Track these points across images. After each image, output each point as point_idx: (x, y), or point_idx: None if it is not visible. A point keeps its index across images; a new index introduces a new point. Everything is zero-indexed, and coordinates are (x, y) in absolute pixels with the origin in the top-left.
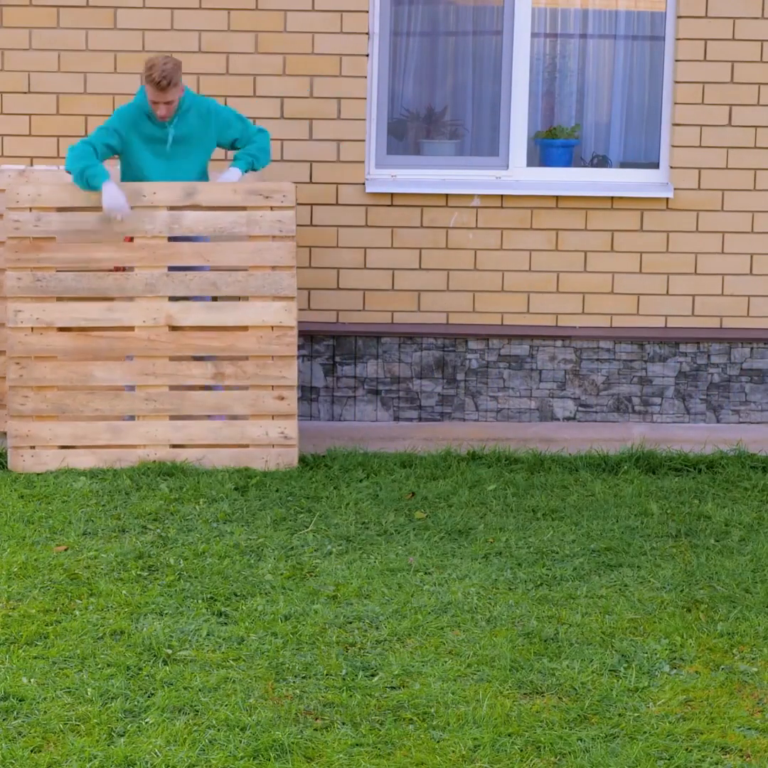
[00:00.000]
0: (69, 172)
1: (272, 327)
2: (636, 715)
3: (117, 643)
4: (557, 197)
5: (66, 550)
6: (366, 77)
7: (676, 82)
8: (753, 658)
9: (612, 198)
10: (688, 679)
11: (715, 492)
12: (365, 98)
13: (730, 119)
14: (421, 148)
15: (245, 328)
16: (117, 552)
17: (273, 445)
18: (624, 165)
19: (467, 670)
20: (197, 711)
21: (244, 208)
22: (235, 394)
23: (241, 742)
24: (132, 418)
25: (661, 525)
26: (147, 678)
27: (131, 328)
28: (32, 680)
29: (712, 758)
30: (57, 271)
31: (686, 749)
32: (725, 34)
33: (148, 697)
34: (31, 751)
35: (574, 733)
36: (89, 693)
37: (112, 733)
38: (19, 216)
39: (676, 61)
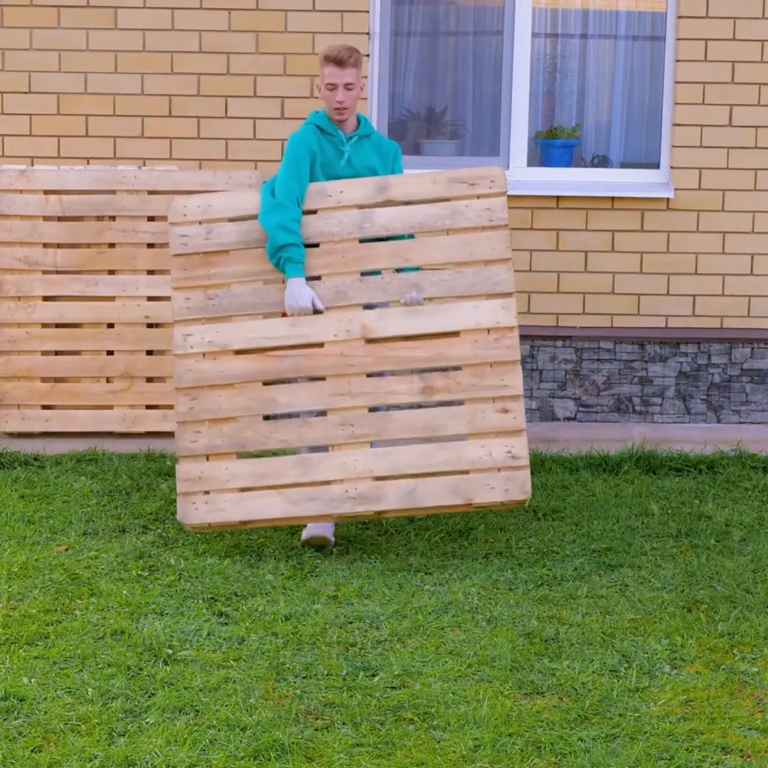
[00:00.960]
0: (262, 225)
1: (488, 329)
2: (636, 715)
3: (117, 643)
4: (558, 197)
5: (66, 550)
6: (366, 77)
7: (677, 82)
8: (753, 659)
9: (612, 198)
10: (688, 679)
11: (716, 492)
12: (365, 98)
13: (730, 119)
14: (422, 148)
15: (456, 333)
16: (117, 552)
17: (499, 469)
18: (624, 165)
19: (468, 671)
20: (198, 711)
21: (446, 199)
22: (448, 410)
23: (241, 742)
24: (319, 450)
25: (661, 525)
26: (147, 678)
27: (320, 345)
28: (33, 680)
29: (712, 758)
30: (231, 286)
31: (687, 749)
32: (726, 35)
33: (149, 697)
34: (32, 751)
35: (574, 733)
36: (90, 693)
37: (113, 733)
38: (188, 230)
39: (677, 61)
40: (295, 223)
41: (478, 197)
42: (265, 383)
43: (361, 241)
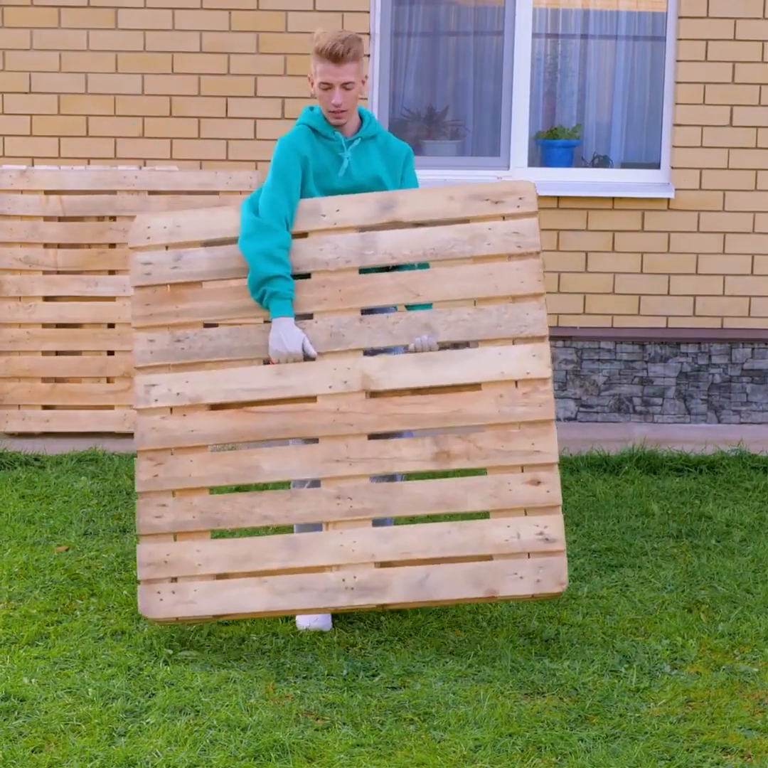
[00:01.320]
0: (242, 252)
1: (516, 381)
2: (637, 715)
3: (118, 644)
4: (558, 197)
5: (67, 550)
6: (367, 77)
7: (677, 82)
8: (754, 659)
9: (613, 198)
10: (689, 679)
11: (716, 492)
12: (366, 99)
13: (730, 120)
14: (423, 148)
15: (476, 385)
16: (118, 552)
17: (528, 554)
18: (625, 165)
19: (468, 671)
20: (198, 711)
21: (465, 221)
22: (467, 480)
23: (242, 742)
24: (312, 527)
25: (662, 525)
26: (148, 678)
27: (312, 398)
28: (33, 680)
29: (713, 759)
30: (205, 325)
31: (687, 750)
32: (726, 35)
33: (149, 697)
34: (32, 751)
35: (575, 733)
36: (90, 693)
37: (113, 734)
38: (151, 257)
39: (677, 61)
40: (282, 251)
41: (503, 218)
42: (246, 445)
43: (362, 271)
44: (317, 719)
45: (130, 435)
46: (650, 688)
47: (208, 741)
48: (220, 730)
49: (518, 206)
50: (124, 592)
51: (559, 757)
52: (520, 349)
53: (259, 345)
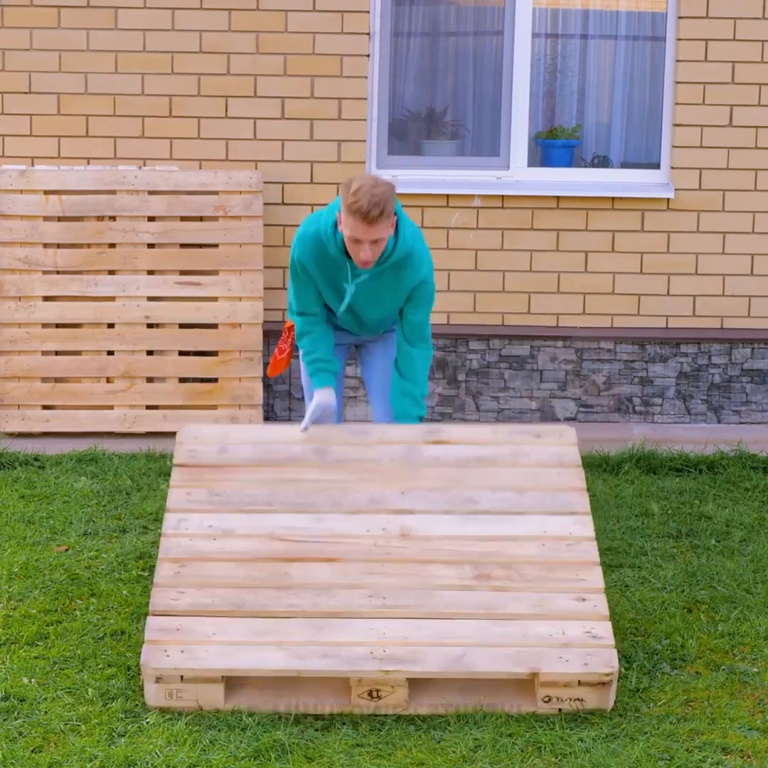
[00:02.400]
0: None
1: (559, 538)
2: (637, 715)
3: (118, 644)
4: (558, 197)
5: (67, 550)
6: (367, 78)
7: (677, 82)
8: (754, 659)
9: (613, 198)
10: (688, 679)
11: (716, 492)
12: (366, 99)
13: (730, 120)
14: (422, 148)
15: (516, 539)
16: (118, 552)
17: (574, 646)
18: (625, 165)
19: None
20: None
21: (507, 444)
22: (510, 593)
23: (241, 742)
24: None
25: (661, 525)
26: None
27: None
28: (33, 680)
29: (712, 759)
30: (243, 488)
31: (687, 750)
32: (726, 35)
33: None
34: (32, 751)
35: (574, 733)
36: (90, 693)
37: (113, 734)
38: (198, 447)
39: (677, 61)
40: (315, 345)
41: (544, 445)
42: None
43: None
44: (317, 719)
45: (130, 435)
46: (650, 688)
47: (207, 741)
48: (219, 730)
49: (558, 439)
50: (124, 592)
51: (559, 757)
52: (563, 519)
53: (301, 503)
